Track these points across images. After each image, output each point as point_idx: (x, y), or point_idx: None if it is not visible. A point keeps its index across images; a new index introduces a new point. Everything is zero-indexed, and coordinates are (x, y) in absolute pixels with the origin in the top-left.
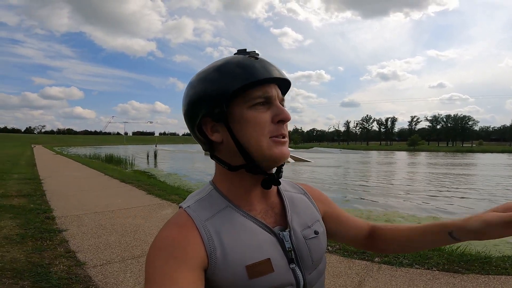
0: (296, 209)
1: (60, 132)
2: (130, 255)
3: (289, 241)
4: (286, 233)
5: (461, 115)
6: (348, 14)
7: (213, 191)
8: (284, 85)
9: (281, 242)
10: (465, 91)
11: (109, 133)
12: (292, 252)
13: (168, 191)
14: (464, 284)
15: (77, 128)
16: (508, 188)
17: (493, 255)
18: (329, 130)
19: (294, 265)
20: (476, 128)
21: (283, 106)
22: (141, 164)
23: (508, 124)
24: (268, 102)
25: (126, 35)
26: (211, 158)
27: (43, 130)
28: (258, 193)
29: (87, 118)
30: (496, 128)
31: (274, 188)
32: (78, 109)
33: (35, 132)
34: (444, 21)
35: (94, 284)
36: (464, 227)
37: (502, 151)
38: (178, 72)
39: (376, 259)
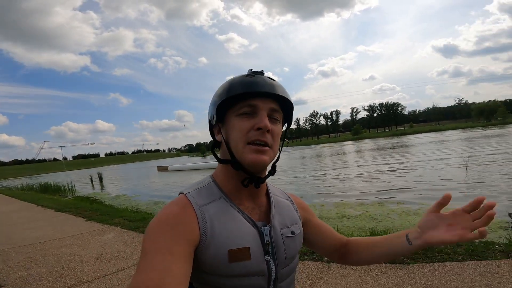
0: (279, 210)
1: None
2: (63, 285)
3: (268, 236)
4: (267, 228)
5: (391, 103)
6: (288, 17)
7: (212, 183)
8: (286, 102)
9: (261, 235)
10: (392, 81)
11: (45, 160)
12: (270, 245)
13: (112, 215)
14: (411, 276)
15: (5, 158)
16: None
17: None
18: None
19: (268, 257)
20: (406, 112)
21: (275, 117)
22: (84, 189)
23: (430, 106)
24: (254, 112)
25: (53, 50)
26: (212, 152)
27: None
28: (247, 191)
29: (16, 145)
30: (421, 111)
31: (263, 189)
32: (3, 137)
33: None
34: (368, 18)
35: None
36: (416, 228)
37: (430, 131)
38: (120, 87)
39: (326, 258)
